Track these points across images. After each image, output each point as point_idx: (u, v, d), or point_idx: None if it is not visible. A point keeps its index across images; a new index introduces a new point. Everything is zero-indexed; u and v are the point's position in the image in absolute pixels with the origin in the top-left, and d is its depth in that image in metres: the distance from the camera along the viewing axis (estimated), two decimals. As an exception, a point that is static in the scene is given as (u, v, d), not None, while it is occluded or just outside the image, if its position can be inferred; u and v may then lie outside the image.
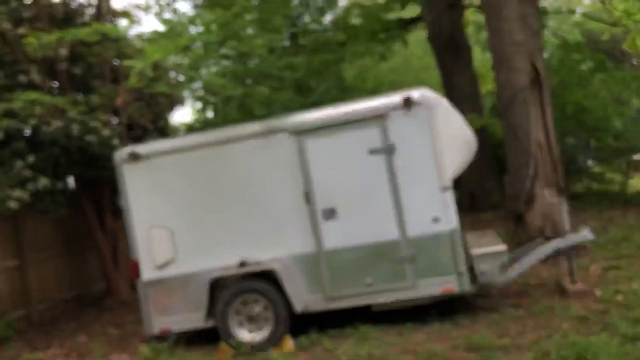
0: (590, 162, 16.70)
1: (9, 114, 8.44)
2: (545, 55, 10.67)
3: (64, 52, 9.15)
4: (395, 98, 6.71)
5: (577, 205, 13.77)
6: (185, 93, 11.80)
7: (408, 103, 6.60)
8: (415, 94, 6.68)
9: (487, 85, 19.45)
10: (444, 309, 7.20)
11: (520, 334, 5.96)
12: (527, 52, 9.08)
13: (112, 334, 8.56)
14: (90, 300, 11.00)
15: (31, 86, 8.86)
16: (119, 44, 9.60)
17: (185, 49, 7.23)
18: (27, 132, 9.44)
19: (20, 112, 8.22)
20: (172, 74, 10.59)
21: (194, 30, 8.30)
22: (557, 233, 8.54)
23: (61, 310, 10.61)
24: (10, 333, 8.87)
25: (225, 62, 9.41)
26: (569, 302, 6.75)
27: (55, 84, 10.29)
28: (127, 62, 8.65)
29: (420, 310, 7.14)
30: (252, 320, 6.78)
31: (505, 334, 6.04)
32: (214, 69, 7.42)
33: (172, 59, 9.16)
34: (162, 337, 7.57)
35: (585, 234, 7.07)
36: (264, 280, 6.77)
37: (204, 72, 7.49)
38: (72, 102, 8.83)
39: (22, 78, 9.22)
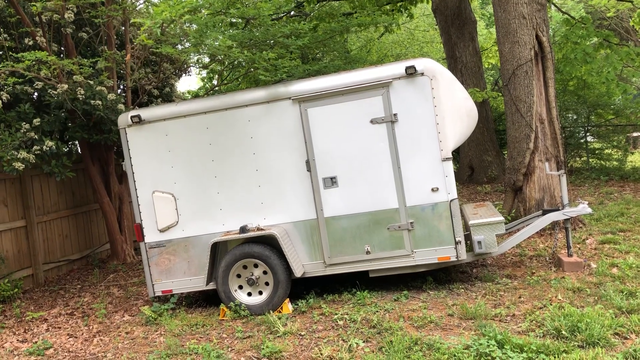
0: (589, 138, 16.74)
1: (15, 76, 8.47)
2: (550, 30, 10.62)
3: (69, 15, 9.14)
4: (399, 67, 6.68)
5: (575, 180, 13.91)
6: (191, 59, 11.79)
7: (411, 72, 6.59)
8: (419, 63, 6.63)
9: (489, 60, 19.43)
10: (440, 277, 7.35)
11: (515, 304, 6.04)
12: (532, 25, 9.05)
13: (115, 295, 8.72)
14: (95, 262, 11.19)
15: (37, 49, 8.86)
16: (124, 5, 9.55)
17: (194, 10, 7.21)
18: (34, 95, 9.50)
19: (25, 72, 8.24)
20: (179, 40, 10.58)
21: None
22: (555, 206, 8.66)
23: (66, 271, 10.81)
24: (16, 292, 9.05)
25: (230, 31, 9.38)
26: (564, 274, 6.85)
27: (61, 48, 10.30)
28: (135, 20, 8.62)
29: (417, 278, 7.29)
30: (252, 284, 6.88)
31: (501, 303, 6.14)
32: (220, 37, 7.39)
33: (179, 26, 9.13)
34: (163, 298, 7.75)
35: (583, 208, 7.13)
36: (265, 246, 6.86)
37: (210, 39, 7.46)
38: (77, 65, 8.84)
39: (28, 41, 9.22)
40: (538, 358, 4.60)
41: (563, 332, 5.00)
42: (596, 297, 5.94)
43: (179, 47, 10.60)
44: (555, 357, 4.58)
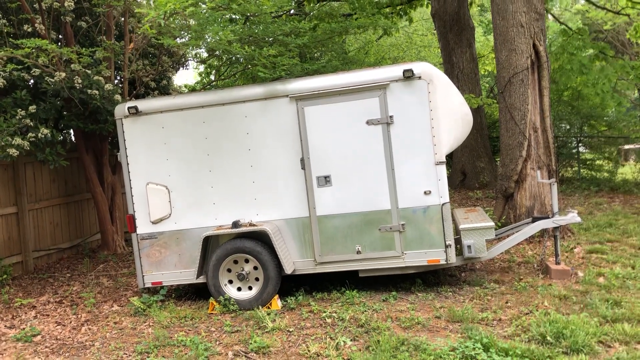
0: (581, 148, 16.85)
1: (13, 62, 8.45)
2: (546, 40, 10.71)
3: (69, 3, 9.13)
4: (396, 69, 6.72)
5: (566, 189, 14.01)
6: (190, 53, 11.77)
7: (409, 75, 6.63)
8: (416, 66, 6.68)
9: (486, 67, 19.53)
10: (429, 279, 7.41)
11: (501, 308, 6.10)
12: (530, 34, 9.12)
13: (105, 285, 8.72)
14: (85, 251, 11.18)
15: (36, 36, 8.85)
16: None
17: (197, 3, 7.23)
18: (30, 82, 9.48)
19: (24, 59, 8.22)
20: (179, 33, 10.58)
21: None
22: (545, 214, 8.74)
23: (56, 259, 10.79)
24: (5, 279, 9.04)
25: (230, 27, 9.40)
26: (551, 281, 6.93)
27: (60, 36, 10.28)
28: (140, 10, 8.62)
29: (406, 280, 7.34)
30: (242, 279, 6.91)
31: (488, 307, 6.19)
32: (221, 31, 7.42)
33: (181, 18, 9.13)
34: (153, 290, 7.77)
35: (572, 217, 7.20)
36: (256, 241, 6.89)
37: (211, 32, 7.49)
38: (76, 53, 8.83)
39: (27, 28, 9.21)
40: (522, 362, 4.66)
41: (548, 338, 5.06)
42: (582, 305, 6.00)
43: (179, 40, 10.61)
44: (539, 362, 4.64)
